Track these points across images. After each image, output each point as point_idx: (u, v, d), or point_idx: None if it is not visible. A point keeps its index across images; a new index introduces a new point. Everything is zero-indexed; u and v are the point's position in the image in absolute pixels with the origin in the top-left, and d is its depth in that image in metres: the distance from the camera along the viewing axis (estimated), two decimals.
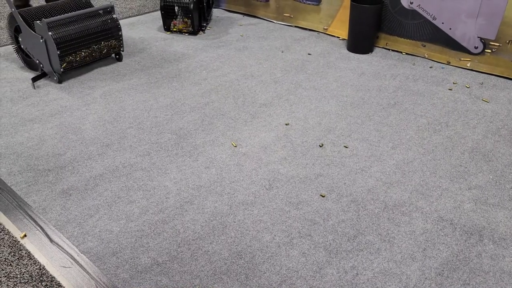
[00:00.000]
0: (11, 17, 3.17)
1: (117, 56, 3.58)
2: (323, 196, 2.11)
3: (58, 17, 3.05)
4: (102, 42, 3.35)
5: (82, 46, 3.22)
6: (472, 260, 1.77)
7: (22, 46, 3.23)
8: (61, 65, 3.10)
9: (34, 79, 3.20)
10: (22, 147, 2.49)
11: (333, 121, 2.74)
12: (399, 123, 2.72)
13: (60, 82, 3.19)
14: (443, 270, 1.72)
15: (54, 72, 3.14)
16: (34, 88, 3.11)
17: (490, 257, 1.78)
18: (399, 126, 2.68)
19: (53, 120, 2.75)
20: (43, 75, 3.27)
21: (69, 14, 3.12)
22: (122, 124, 2.72)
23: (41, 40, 3.01)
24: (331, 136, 2.59)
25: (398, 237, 1.88)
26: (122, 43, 3.49)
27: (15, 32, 3.23)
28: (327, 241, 1.86)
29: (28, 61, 3.36)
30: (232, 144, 2.51)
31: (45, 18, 3.07)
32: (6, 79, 3.28)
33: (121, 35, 3.45)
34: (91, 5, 3.44)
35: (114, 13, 3.37)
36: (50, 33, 2.98)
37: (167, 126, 2.69)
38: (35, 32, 3.05)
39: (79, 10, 3.35)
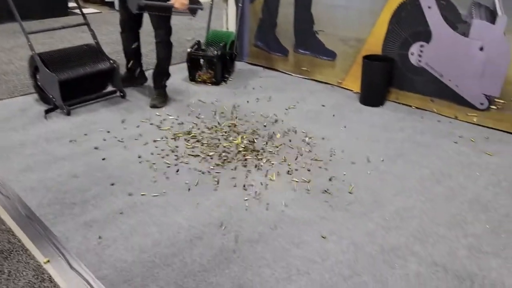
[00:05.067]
0: (32, 59, 3.72)
1: (121, 94, 4.05)
2: (324, 238, 2.24)
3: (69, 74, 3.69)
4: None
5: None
6: None
7: (39, 83, 3.77)
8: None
9: (47, 112, 3.69)
10: (53, 182, 2.74)
11: (340, 169, 2.90)
12: (403, 172, 2.85)
13: (68, 114, 3.67)
14: None
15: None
16: (46, 119, 3.61)
17: None
18: (402, 176, 2.81)
19: (83, 159, 3.02)
20: (54, 108, 3.75)
21: (79, 72, 3.76)
22: (143, 163, 2.95)
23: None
24: (336, 182, 2.74)
25: (392, 278, 1.98)
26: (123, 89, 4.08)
27: (34, 71, 3.78)
28: (323, 279, 1.98)
29: (42, 96, 3.87)
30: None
31: (58, 66, 3.66)
32: (43, 121, 3.61)
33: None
34: (102, 52, 4.01)
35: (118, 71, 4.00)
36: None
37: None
38: (50, 71, 3.59)
39: (91, 58, 3.91)
